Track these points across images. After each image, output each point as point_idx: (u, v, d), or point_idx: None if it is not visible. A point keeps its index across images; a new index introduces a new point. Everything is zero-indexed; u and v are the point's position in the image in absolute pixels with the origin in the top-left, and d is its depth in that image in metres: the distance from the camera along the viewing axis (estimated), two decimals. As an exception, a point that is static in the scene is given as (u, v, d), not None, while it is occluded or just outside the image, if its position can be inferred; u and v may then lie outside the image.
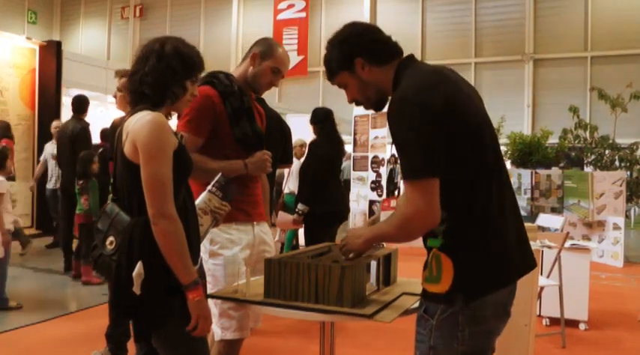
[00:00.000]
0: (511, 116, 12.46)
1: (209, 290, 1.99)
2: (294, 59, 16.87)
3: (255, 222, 2.12)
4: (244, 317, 1.99)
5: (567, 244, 3.77)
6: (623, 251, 6.57)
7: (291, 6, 17.34)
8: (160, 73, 1.54)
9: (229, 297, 1.75)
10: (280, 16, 17.45)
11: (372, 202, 6.70)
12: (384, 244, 1.82)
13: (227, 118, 2.04)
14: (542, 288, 3.55)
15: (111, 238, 1.54)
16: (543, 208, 7.02)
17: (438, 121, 1.32)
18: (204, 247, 1.98)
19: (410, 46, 15.89)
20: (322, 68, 18.90)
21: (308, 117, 4.46)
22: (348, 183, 7.51)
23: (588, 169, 8.84)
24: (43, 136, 7.25)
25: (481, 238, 1.38)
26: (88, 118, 5.76)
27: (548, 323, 3.95)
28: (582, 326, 3.91)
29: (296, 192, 4.74)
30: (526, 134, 10.53)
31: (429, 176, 1.31)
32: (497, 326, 1.45)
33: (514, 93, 14.84)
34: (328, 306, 1.57)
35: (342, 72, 1.51)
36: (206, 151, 2.01)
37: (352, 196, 7.04)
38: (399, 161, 1.45)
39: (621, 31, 13.81)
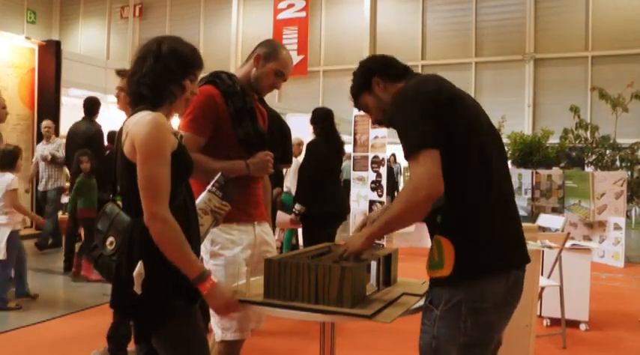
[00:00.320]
0: (512, 116, 12.45)
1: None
2: (294, 59, 16.83)
3: (256, 222, 2.11)
4: (245, 318, 1.98)
5: (568, 244, 3.76)
6: (624, 251, 6.56)
7: (291, 5, 17.34)
8: (157, 74, 1.54)
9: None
10: (280, 16, 17.45)
11: (372, 202, 6.69)
12: (384, 244, 1.82)
13: (229, 118, 2.04)
14: (542, 289, 3.55)
15: (111, 238, 1.54)
16: (544, 208, 7.01)
17: (438, 109, 1.44)
18: (205, 247, 1.98)
19: (410, 46, 16.02)
20: (322, 68, 19.00)
21: (308, 117, 4.46)
22: (348, 183, 7.51)
23: (589, 169, 8.83)
24: (43, 136, 7.22)
25: (479, 223, 1.45)
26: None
27: (548, 324, 3.94)
28: (583, 327, 3.91)
29: (293, 192, 4.74)
30: (527, 134, 10.51)
31: (428, 147, 1.39)
32: (499, 319, 1.49)
33: (515, 93, 14.84)
34: (328, 307, 1.57)
35: (363, 93, 1.70)
36: (208, 151, 2.00)
37: (352, 196, 7.03)
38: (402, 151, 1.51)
39: (622, 31, 13.80)
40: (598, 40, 14.24)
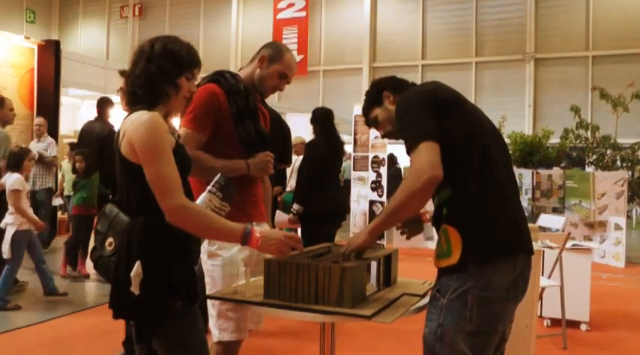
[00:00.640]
0: (512, 116, 12.43)
1: (207, 291, 1.98)
2: (294, 59, 16.83)
3: (255, 222, 2.11)
4: (242, 318, 1.97)
5: (568, 245, 3.76)
6: (625, 251, 6.56)
7: (290, 5, 17.33)
8: (150, 74, 1.54)
9: (228, 298, 1.73)
10: (280, 16, 17.44)
11: (372, 202, 6.68)
12: (384, 244, 1.82)
13: (231, 117, 2.03)
14: (543, 289, 3.54)
15: (110, 239, 1.53)
16: (544, 208, 6.99)
17: (437, 108, 1.52)
18: (203, 248, 1.97)
19: (410, 46, 16.02)
20: (322, 67, 18.95)
21: (308, 116, 4.45)
22: (348, 182, 7.50)
23: (590, 169, 8.81)
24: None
25: (484, 211, 1.51)
26: (86, 118, 5.76)
27: (549, 324, 3.93)
28: (584, 327, 3.90)
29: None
30: (527, 134, 10.49)
31: (427, 139, 1.45)
32: (503, 310, 1.53)
33: (515, 92, 14.82)
34: (328, 307, 1.56)
35: (374, 107, 1.80)
36: (208, 149, 2.00)
37: (352, 196, 7.02)
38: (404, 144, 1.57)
39: (623, 31, 13.79)
40: (599, 39, 14.22)
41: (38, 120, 6.49)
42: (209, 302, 1.95)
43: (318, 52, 17.23)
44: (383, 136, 1.86)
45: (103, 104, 5.66)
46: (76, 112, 9.91)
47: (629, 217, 8.68)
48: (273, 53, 2.13)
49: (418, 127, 1.49)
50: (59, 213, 6.81)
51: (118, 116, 5.64)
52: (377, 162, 6.73)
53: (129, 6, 19.46)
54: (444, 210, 1.54)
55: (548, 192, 7.17)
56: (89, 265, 5.04)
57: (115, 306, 1.52)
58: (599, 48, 14.22)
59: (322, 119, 4.25)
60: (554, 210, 6.88)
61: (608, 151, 8.57)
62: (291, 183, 5.70)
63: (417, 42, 16.06)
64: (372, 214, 6.64)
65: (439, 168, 1.43)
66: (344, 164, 6.42)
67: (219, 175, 1.81)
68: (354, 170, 7.14)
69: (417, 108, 1.53)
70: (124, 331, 2.93)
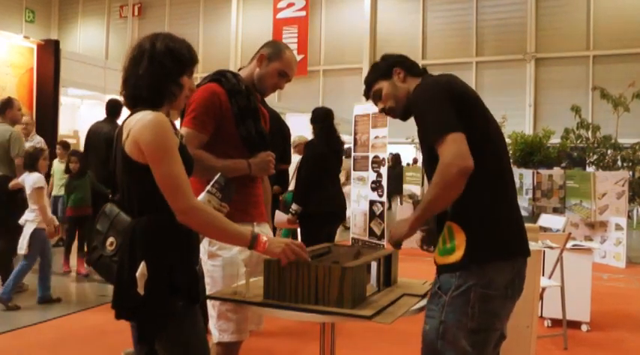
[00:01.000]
0: (513, 116, 12.43)
1: (207, 292, 1.97)
2: (294, 58, 16.83)
3: (255, 223, 2.10)
4: (243, 319, 1.96)
5: (569, 245, 3.75)
6: (626, 252, 6.54)
7: (290, 5, 17.33)
8: (154, 74, 1.53)
9: (228, 298, 1.73)
10: (280, 15, 17.44)
11: (372, 202, 6.67)
12: (385, 245, 1.82)
13: (232, 117, 2.03)
14: (544, 289, 3.53)
15: (111, 239, 1.52)
16: (545, 208, 6.98)
17: (457, 100, 1.53)
18: (204, 248, 1.96)
19: (410, 46, 16.02)
20: (322, 67, 18.98)
21: (308, 116, 4.44)
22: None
23: (590, 169, 8.81)
24: (41, 136, 7.20)
25: (489, 210, 1.53)
26: (86, 118, 5.75)
27: (550, 325, 3.92)
28: (584, 328, 3.89)
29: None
30: (528, 134, 10.49)
31: (454, 130, 1.47)
32: (502, 308, 1.54)
33: (516, 92, 14.83)
34: (328, 307, 1.56)
35: (381, 80, 1.77)
36: (209, 149, 2.00)
37: (352, 196, 7.01)
38: (423, 136, 1.59)
39: (623, 30, 13.79)
40: (599, 39, 14.22)
41: (25, 118, 6.41)
42: (209, 302, 1.94)
43: (318, 52, 17.23)
44: (381, 111, 1.82)
45: (113, 106, 5.66)
46: (75, 112, 9.90)
47: (629, 217, 8.68)
48: (272, 51, 2.12)
49: (444, 118, 1.49)
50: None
51: (104, 114, 5.68)
52: (377, 162, 6.71)
53: (128, 5, 19.47)
54: (449, 207, 1.55)
55: (548, 192, 7.16)
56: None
57: (117, 307, 1.51)
58: (599, 48, 14.22)
59: (322, 119, 4.24)
60: (555, 210, 6.87)
61: (609, 151, 8.57)
62: (293, 183, 5.69)
63: (417, 42, 16.06)
64: (372, 214, 6.63)
65: (470, 159, 1.44)
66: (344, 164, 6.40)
67: (218, 175, 1.80)
68: (354, 170, 7.12)
69: (441, 99, 1.53)
70: (129, 331, 2.92)
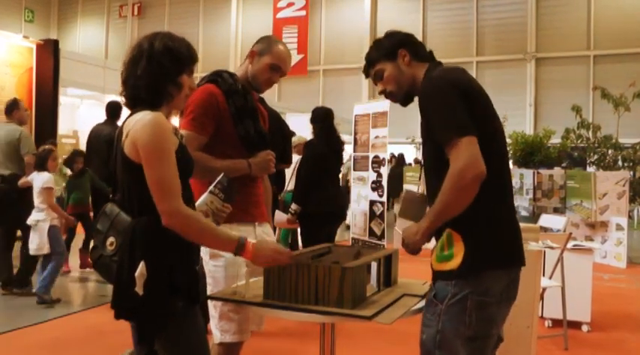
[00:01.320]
0: (513, 115, 12.40)
1: (209, 292, 1.97)
2: (293, 58, 16.83)
3: (257, 223, 2.10)
4: (244, 319, 1.96)
5: (570, 245, 3.74)
6: (626, 252, 6.54)
7: (290, 4, 17.32)
8: (152, 74, 1.52)
9: (228, 298, 1.72)
10: (280, 15, 17.43)
11: (372, 202, 6.66)
12: (385, 245, 1.80)
13: (230, 117, 2.03)
14: (544, 290, 3.52)
15: (111, 239, 1.52)
16: (545, 208, 6.97)
17: (467, 98, 1.48)
18: (204, 248, 1.95)
19: (411, 45, 16.00)
20: (322, 67, 18.89)
21: (308, 116, 4.43)
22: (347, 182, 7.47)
23: (591, 169, 8.80)
24: (40, 136, 7.20)
25: (490, 219, 1.49)
26: (85, 118, 5.75)
27: (550, 325, 3.91)
28: (585, 328, 3.88)
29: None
30: (528, 133, 10.47)
31: (468, 133, 1.42)
32: (498, 314, 1.52)
33: (516, 92, 14.81)
34: (328, 308, 1.56)
35: (384, 61, 1.67)
36: (209, 150, 1.99)
37: (353, 196, 7.00)
38: (433, 136, 1.51)
39: (624, 30, 13.77)
40: (600, 39, 14.20)
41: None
42: (211, 303, 1.94)
43: (318, 52, 17.22)
44: (380, 92, 1.73)
45: (113, 107, 5.70)
46: (74, 112, 9.90)
47: (630, 217, 8.67)
48: (262, 47, 2.11)
49: (457, 118, 1.44)
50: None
51: (103, 114, 5.72)
52: (377, 162, 6.70)
53: (128, 5, 19.46)
54: None
55: (549, 192, 7.15)
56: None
57: (117, 307, 1.51)
58: (600, 47, 14.20)
59: (322, 119, 4.23)
60: (556, 210, 6.86)
61: (610, 151, 8.55)
62: (292, 183, 5.68)
63: (418, 41, 16.02)
64: (372, 214, 6.62)
65: (482, 164, 1.40)
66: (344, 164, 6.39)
67: (221, 176, 1.79)
68: (354, 170, 7.11)
69: (453, 97, 1.46)
70: (129, 331, 2.91)
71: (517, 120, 13.33)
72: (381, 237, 6.34)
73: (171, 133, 1.52)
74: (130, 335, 2.67)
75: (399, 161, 11.50)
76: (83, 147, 6.63)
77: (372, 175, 6.72)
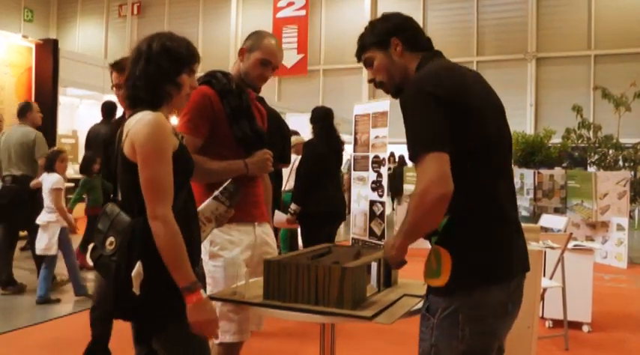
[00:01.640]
0: (514, 115, 12.37)
1: (208, 292, 1.96)
2: (294, 58, 16.84)
3: (256, 223, 2.09)
4: (244, 320, 1.96)
5: (570, 245, 3.73)
6: (627, 252, 6.53)
7: (290, 4, 17.31)
8: (151, 75, 1.53)
9: (227, 299, 1.72)
10: (280, 14, 17.41)
11: (372, 202, 6.65)
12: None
13: (225, 118, 2.02)
14: (545, 290, 3.51)
15: (111, 239, 1.52)
16: (546, 209, 6.97)
17: (443, 110, 1.34)
18: (205, 248, 1.95)
19: (411, 45, 15.99)
20: (322, 67, 18.87)
21: (308, 116, 4.43)
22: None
23: (592, 169, 8.81)
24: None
25: (479, 236, 1.40)
26: (85, 118, 5.75)
27: (551, 325, 3.91)
28: (586, 328, 3.88)
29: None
30: (529, 133, 10.48)
31: (438, 150, 1.30)
32: (499, 326, 1.45)
33: (517, 92, 14.80)
34: (328, 308, 1.55)
35: (375, 48, 1.56)
36: (205, 152, 1.98)
37: (353, 196, 7.00)
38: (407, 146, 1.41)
39: (625, 30, 13.76)
40: (600, 38, 14.19)
41: None
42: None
43: (318, 51, 17.21)
44: (370, 81, 1.63)
45: (108, 107, 5.72)
46: (74, 112, 9.90)
47: (631, 217, 8.67)
48: (251, 43, 2.10)
49: (425, 133, 1.32)
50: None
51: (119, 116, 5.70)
52: (377, 162, 6.69)
53: (127, 4, 19.44)
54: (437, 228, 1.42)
55: (549, 192, 7.15)
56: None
57: (115, 307, 1.50)
58: (600, 47, 14.19)
59: (322, 119, 4.23)
60: (556, 211, 6.85)
61: (611, 151, 8.56)
62: (290, 183, 5.67)
63: (418, 41, 16.02)
64: (372, 214, 6.62)
65: (449, 184, 1.29)
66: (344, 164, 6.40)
67: (228, 182, 1.78)
68: (354, 170, 7.11)
69: (426, 105, 1.34)
70: (129, 331, 2.91)
71: (517, 120, 13.33)
72: (381, 237, 6.33)
73: (170, 134, 1.51)
74: (130, 335, 2.68)
75: (401, 161, 11.50)
76: (82, 147, 6.63)
77: (372, 175, 6.71)
